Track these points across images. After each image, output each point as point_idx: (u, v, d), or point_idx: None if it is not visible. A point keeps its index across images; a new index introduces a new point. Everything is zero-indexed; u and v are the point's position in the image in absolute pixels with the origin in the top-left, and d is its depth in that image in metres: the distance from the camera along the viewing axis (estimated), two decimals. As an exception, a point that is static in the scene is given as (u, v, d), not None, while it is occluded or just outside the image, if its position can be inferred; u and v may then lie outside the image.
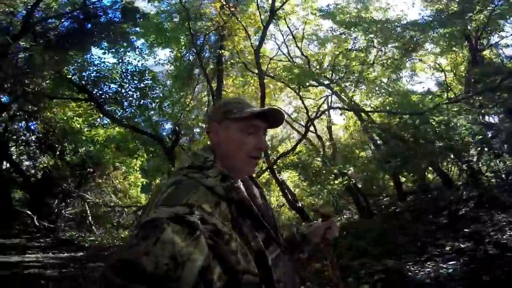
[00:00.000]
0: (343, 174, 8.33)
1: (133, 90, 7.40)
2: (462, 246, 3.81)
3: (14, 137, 7.58)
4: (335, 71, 9.85)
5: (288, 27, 10.35)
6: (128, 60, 7.46)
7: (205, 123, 9.62)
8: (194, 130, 9.40)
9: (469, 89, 10.12)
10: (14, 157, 7.80)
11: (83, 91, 6.98)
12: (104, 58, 7.06)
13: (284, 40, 10.93)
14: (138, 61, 7.52)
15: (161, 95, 8.02)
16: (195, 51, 8.34)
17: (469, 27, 9.55)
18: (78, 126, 8.11)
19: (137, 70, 7.34)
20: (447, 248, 3.82)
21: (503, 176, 6.18)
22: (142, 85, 7.42)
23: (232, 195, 0.76)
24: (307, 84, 8.58)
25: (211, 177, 0.76)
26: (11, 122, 7.28)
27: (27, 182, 7.86)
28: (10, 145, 7.67)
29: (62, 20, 7.70)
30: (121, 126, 7.72)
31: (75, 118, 8.07)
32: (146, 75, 7.42)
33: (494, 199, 5.41)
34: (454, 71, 10.74)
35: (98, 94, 7.23)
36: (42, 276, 4.55)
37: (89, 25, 7.92)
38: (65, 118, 7.91)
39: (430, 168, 8.06)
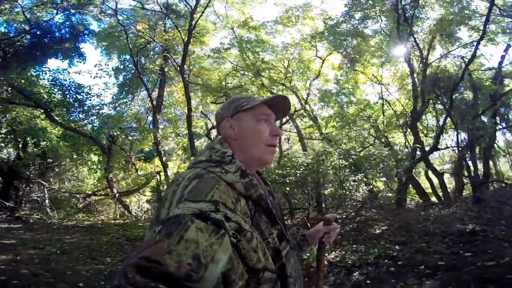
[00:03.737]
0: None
1: (73, 100, 8.92)
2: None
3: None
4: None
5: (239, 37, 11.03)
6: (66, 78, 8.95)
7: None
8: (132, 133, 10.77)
9: (415, 104, 10.02)
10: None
11: (31, 100, 8.62)
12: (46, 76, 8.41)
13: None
14: (69, 79, 8.87)
15: (101, 104, 9.54)
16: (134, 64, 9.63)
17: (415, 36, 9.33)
18: (40, 124, 9.92)
19: (74, 85, 8.84)
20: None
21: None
22: (79, 96, 8.93)
23: (251, 192, 0.76)
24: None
25: (231, 173, 0.76)
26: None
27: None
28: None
29: (23, 36, 9.37)
30: (64, 128, 9.33)
31: (38, 118, 9.89)
32: (82, 89, 8.90)
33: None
34: (397, 85, 10.55)
35: (47, 102, 8.82)
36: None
37: (46, 40, 9.51)
38: (29, 116, 9.75)
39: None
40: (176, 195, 0.70)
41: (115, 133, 9.47)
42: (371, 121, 11.20)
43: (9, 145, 9.43)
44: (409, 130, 10.89)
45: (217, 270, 0.58)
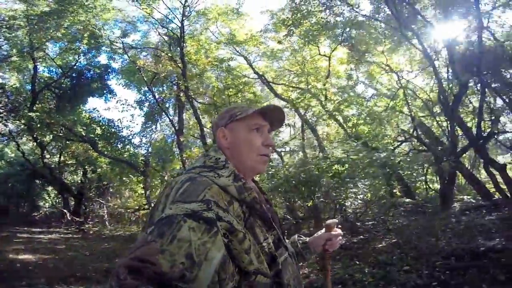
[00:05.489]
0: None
1: (108, 133, 10.77)
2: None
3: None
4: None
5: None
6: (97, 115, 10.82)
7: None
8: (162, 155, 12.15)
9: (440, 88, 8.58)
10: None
11: (77, 136, 10.74)
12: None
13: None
14: (101, 116, 10.69)
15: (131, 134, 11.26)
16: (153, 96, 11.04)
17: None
18: (92, 155, 12.20)
19: (105, 120, 10.65)
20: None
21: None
22: (112, 130, 10.71)
23: (244, 196, 0.76)
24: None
25: (224, 177, 0.77)
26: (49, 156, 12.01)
27: (71, 192, 12.61)
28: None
29: (64, 78, 11.54)
30: (106, 157, 11.26)
31: (91, 150, 12.17)
32: (112, 123, 10.67)
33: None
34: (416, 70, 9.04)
35: (89, 137, 10.86)
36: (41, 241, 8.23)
37: (81, 81, 11.59)
38: (84, 149, 12.09)
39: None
40: (169, 198, 0.70)
41: (146, 158, 10.97)
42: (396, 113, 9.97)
43: (77, 172, 12.02)
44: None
45: (211, 269, 0.58)
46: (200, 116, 10.38)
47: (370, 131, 10.25)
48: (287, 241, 0.96)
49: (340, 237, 1.08)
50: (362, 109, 10.29)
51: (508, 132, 9.09)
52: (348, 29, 8.87)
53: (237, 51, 10.55)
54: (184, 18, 9.30)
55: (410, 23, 7.53)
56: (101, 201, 12.42)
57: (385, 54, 9.03)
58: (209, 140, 10.11)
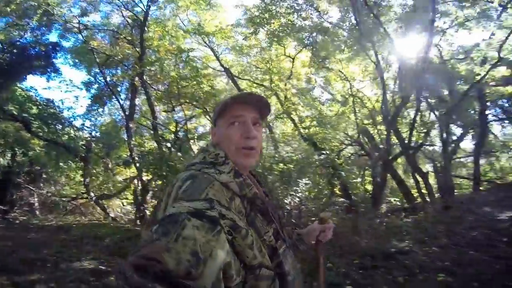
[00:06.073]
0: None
1: (47, 114, 9.69)
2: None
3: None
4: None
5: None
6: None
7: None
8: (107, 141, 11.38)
9: (385, 100, 9.29)
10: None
11: (8, 114, 9.51)
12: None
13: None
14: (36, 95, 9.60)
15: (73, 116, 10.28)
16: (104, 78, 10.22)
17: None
18: (25, 136, 10.87)
19: (43, 100, 9.58)
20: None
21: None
22: (51, 110, 9.67)
23: (245, 192, 0.78)
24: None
25: (225, 173, 0.77)
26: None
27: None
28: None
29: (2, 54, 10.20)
30: (40, 139, 10.16)
31: (23, 130, 10.82)
32: (51, 103, 9.62)
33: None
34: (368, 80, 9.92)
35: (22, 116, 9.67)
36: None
37: (23, 57, 10.29)
38: (16, 128, 10.73)
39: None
40: (171, 196, 0.71)
41: (88, 142, 10.12)
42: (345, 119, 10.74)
43: (4, 154, 10.59)
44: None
45: (215, 266, 0.59)
46: (154, 104, 9.90)
47: (321, 133, 10.86)
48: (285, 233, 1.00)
49: (332, 229, 1.13)
50: (315, 112, 10.87)
51: (434, 145, 10.43)
52: (314, 34, 9.21)
53: (205, 42, 10.28)
54: (149, 3, 8.73)
55: (371, 34, 8.10)
56: (31, 188, 11.16)
57: (343, 62, 9.61)
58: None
